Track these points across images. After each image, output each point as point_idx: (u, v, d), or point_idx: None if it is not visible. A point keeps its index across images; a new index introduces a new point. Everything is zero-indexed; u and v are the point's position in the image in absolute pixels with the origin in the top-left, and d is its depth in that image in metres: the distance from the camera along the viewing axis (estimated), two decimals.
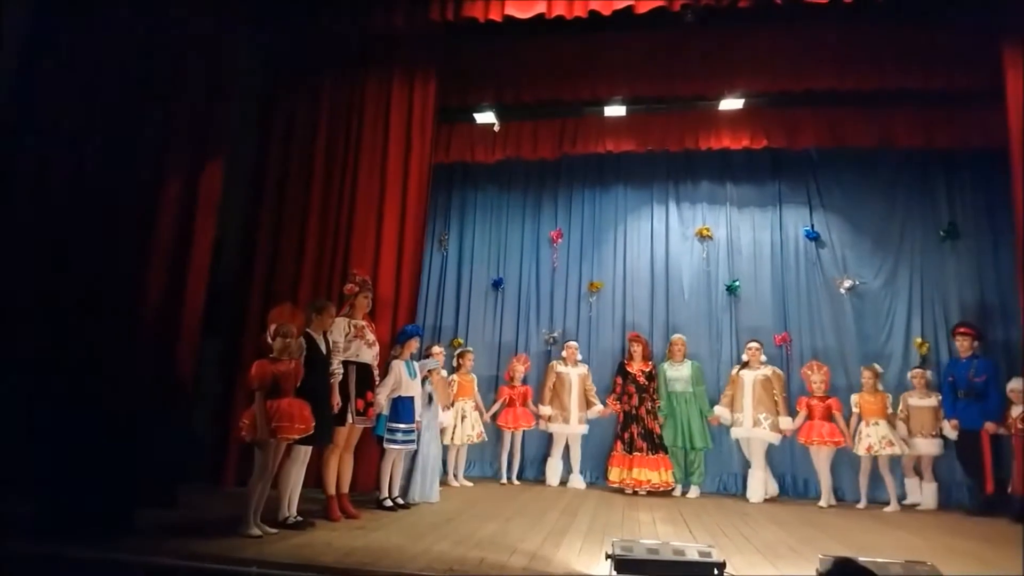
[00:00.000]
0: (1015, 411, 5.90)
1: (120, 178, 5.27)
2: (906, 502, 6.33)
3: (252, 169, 6.38)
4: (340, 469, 4.83)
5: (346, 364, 4.88)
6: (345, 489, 4.86)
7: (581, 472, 7.04)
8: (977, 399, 6.08)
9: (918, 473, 6.38)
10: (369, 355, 5.07)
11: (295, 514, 4.35)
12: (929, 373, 6.54)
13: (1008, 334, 6.63)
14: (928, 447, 6.23)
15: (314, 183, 6.26)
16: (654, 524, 5.11)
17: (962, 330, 6.42)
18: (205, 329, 5.51)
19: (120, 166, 5.27)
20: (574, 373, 7.13)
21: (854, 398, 6.47)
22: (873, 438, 6.17)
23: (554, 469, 7.04)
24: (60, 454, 3.90)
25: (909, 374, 6.62)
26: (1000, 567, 4.03)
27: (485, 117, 7.17)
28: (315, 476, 4.84)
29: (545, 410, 7.05)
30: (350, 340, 4.96)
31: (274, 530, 4.10)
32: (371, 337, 5.12)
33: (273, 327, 4.21)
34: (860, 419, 6.33)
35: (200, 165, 5.42)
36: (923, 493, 6.31)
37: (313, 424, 4.20)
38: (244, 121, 6.23)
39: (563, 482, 7.01)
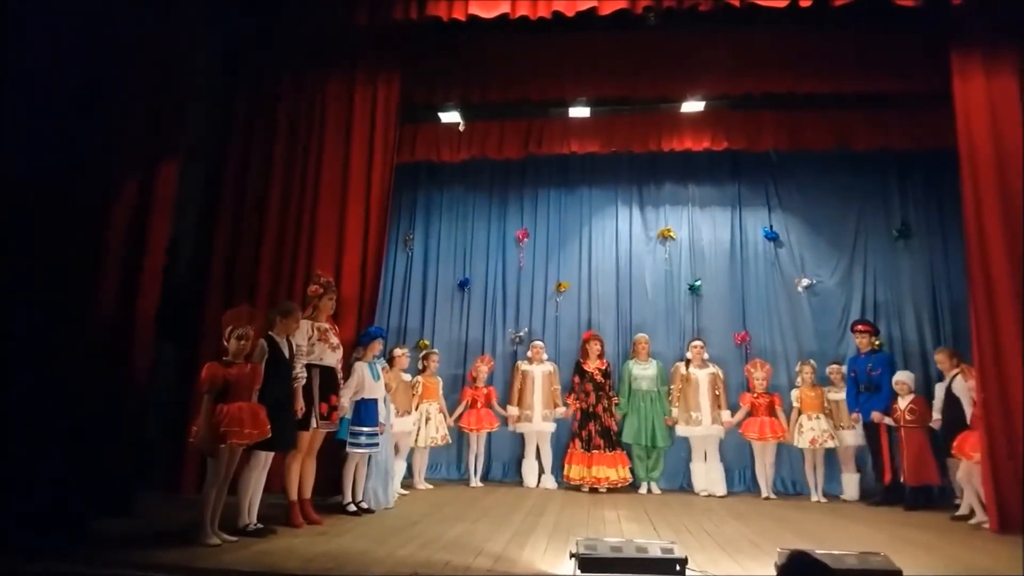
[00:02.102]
0: (902, 403, 6.13)
1: (70, 177, 5.08)
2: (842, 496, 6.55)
3: (210, 169, 6.24)
4: (302, 474, 4.75)
5: (309, 367, 4.80)
6: (308, 494, 4.78)
7: (553, 472, 7.03)
8: (876, 392, 6.30)
9: (856, 468, 6.60)
10: (333, 358, 5.00)
11: (255, 521, 4.26)
12: (845, 368, 6.74)
13: (959, 328, 6.85)
14: (848, 438, 6.47)
15: (274, 183, 6.14)
16: (619, 522, 5.15)
17: (860, 327, 6.64)
18: (161, 332, 5.35)
19: (70, 165, 5.09)
20: (539, 371, 7.14)
21: (794, 393, 6.73)
22: (816, 431, 6.46)
23: (530, 470, 7.01)
24: (3, 461, 3.74)
25: (827, 369, 6.86)
26: (947, 553, 4.17)
27: (450, 117, 7.14)
28: (278, 482, 4.75)
29: (512, 411, 7.05)
30: (313, 343, 4.89)
31: (233, 538, 4.01)
32: (335, 340, 5.05)
33: (228, 329, 4.11)
34: (800, 413, 6.58)
35: (155, 164, 5.27)
36: (845, 483, 6.55)
37: (269, 429, 4.12)
38: (202, 120, 6.09)
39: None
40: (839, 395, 6.64)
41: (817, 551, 2.96)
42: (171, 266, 5.61)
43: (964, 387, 5.53)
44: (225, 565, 3.44)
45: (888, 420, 6.18)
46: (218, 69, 6.33)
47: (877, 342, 6.65)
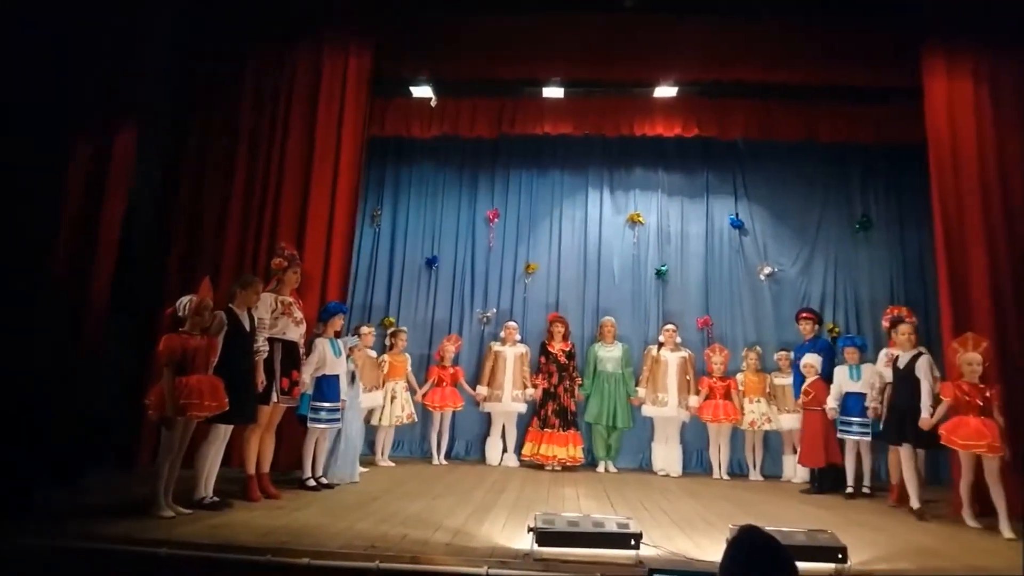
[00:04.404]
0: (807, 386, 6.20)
1: (24, 143, 4.88)
2: (783, 478, 6.75)
3: (173, 138, 6.05)
4: (261, 448, 4.70)
5: (272, 341, 4.75)
6: (266, 469, 4.73)
7: (516, 451, 7.07)
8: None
9: (794, 451, 6.75)
10: (296, 333, 4.94)
11: (212, 494, 4.22)
12: (792, 354, 6.89)
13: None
14: (790, 422, 6.63)
15: (239, 153, 6.01)
16: (578, 499, 5.23)
17: (804, 315, 6.74)
18: (118, 303, 5.22)
19: (24, 131, 4.89)
20: (511, 352, 7.16)
21: (739, 377, 6.94)
22: (756, 414, 6.73)
23: (494, 448, 7.06)
24: None
25: (775, 356, 7.05)
26: (891, 531, 4.34)
27: (422, 92, 7.03)
28: (237, 455, 4.69)
29: (481, 390, 7.07)
30: (276, 317, 4.83)
31: (188, 510, 3.97)
32: (298, 314, 4.99)
33: (187, 300, 4.02)
34: (744, 396, 6.83)
35: (112, 130, 5.09)
36: (786, 465, 6.75)
37: (227, 402, 4.06)
38: (164, 88, 5.89)
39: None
40: (784, 380, 6.78)
41: (768, 528, 3.05)
42: (128, 236, 5.45)
43: (927, 369, 5.10)
44: (178, 537, 3.39)
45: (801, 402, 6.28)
46: (183, 35, 6.12)
47: (835, 328, 6.79)
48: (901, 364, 5.29)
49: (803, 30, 6.20)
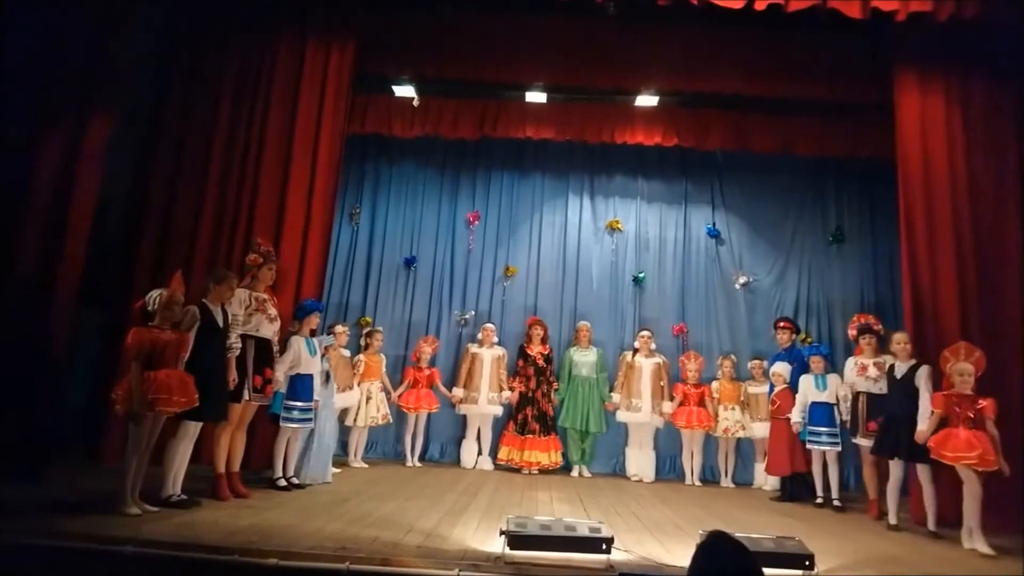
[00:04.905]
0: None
1: None
2: (754, 485, 6.85)
3: (146, 129, 5.95)
4: (231, 447, 4.64)
5: (245, 338, 4.68)
6: (236, 467, 4.67)
7: (491, 454, 7.06)
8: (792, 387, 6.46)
9: (765, 458, 6.83)
10: (270, 330, 4.88)
11: (180, 492, 4.15)
12: (765, 363, 7.02)
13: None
14: (763, 431, 6.70)
15: (215, 146, 5.92)
16: (551, 503, 5.25)
17: (782, 324, 6.79)
18: (88, 297, 5.11)
19: None
20: (488, 355, 7.15)
21: (714, 384, 7.03)
22: (730, 421, 6.83)
23: (469, 451, 7.03)
24: None
25: (749, 364, 7.16)
26: (858, 540, 4.41)
27: (404, 91, 7.01)
28: (207, 453, 4.62)
29: (457, 392, 7.05)
30: (250, 313, 4.77)
31: (155, 508, 3.90)
32: (273, 311, 4.93)
33: (157, 294, 3.96)
34: (719, 403, 6.91)
35: (85, 118, 4.99)
36: (757, 473, 6.83)
37: (197, 398, 4.00)
38: (140, 77, 5.80)
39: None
40: (759, 389, 6.88)
41: (737, 534, 3.09)
42: (99, 227, 5.34)
43: (929, 379, 4.88)
44: (144, 535, 3.32)
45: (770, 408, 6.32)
46: (161, 28, 6.03)
47: (807, 338, 6.90)
48: (899, 374, 5.07)
49: (782, 45, 6.31)
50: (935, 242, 5.65)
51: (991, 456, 4.27)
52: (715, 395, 6.96)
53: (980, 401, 4.45)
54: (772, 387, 6.47)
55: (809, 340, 6.98)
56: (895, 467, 4.97)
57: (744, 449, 7.11)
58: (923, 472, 4.78)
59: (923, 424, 4.71)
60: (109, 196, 5.45)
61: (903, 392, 4.98)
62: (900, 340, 5.17)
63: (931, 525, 4.69)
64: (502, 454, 6.84)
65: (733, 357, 7.22)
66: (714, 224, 8.05)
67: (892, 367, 5.19)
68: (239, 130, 5.97)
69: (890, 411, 5.08)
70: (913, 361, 5.07)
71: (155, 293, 4.02)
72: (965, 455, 4.30)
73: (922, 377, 4.90)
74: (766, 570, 1.72)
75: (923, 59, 5.93)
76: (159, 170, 5.90)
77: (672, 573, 3.32)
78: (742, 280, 7.84)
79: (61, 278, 4.78)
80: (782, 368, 6.31)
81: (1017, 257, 5.54)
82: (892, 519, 4.93)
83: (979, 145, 5.80)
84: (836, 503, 5.66)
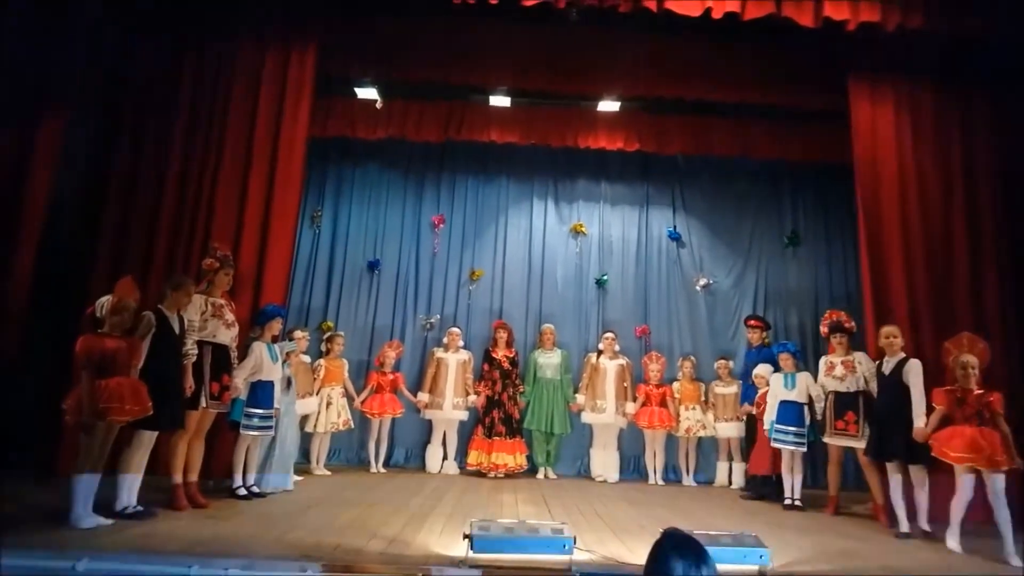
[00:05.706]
0: (758, 396, 6.16)
1: None
2: (716, 483, 6.99)
3: (102, 129, 5.79)
4: (189, 455, 4.54)
5: (201, 344, 4.60)
6: (194, 477, 4.57)
7: (456, 458, 7.03)
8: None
9: (730, 458, 7.00)
10: (227, 336, 4.80)
11: (135, 503, 4.04)
12: (731, 363, 7.20)
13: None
14: (729, 430, 6.87)
15: (173, 150, 5.79)
16: (516, 505, 5.27)
17: (752, 323, 6.91)
18: (39, 303, 4.94)
19: None
20: (454, 359, 7.12)
21: (675, 385, 7.16)
22: (691, 421, 6.95)
23: (434, 456, 6.99)
24: None
25: (715, 364, 7.29)
26: (816, 536, 4.53)
27: (367, 93, 6.96)
28: (164, 463, 4.51)
29: (422, 397, 7.01)
30: (206, 319, 4.68)
31: (110, 521, 3.79)
32: (230, 317, 4.85)
33: (105, 300, 3.87)
34: (680, 403, 7.03)
35: (36, 120, 4.84)
36: (733, 473, 6.94)
37: (150, 405, 3.91)
38: (95, 78, 5.64)
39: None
40: (726, 389, 7.02)
41: (696, 531, 3.15)
42: (52, 231, 5.18)
43: (918, 373, 4.66)
44: (98, 548, 3.23)
45: (754, 411, 6.31)
46: (118, 27, 5.87)
47: (766, 338, 7.07)
48: (887, 370, 4.79)
49: (740, 53, 6.46)
50: (886, 241, 5.85)
51: (1000, 456, 3.99)
52: (676, 395, 7.08)
53: (988, 395, 4.15)
54: (747, 388, 6.53)
55: (767, 340, 7.13)
56: (893, 470, 4.68)
57: (705, 448, 7.24)
58: (917, 472, 4.55)
59: (919, 421, 4.46)
60: (62, 198, 5.28)
61: (893, 389, 4.70)
62: (888, 334, 4.86)
63: (923, 524, 4.56)
64: (472, 459, 6.80)
65: (693, 358, 7.36)
66: (675, 227, 8.20)
67: (880, 364, 4.91)
68: (198, 135, 5.84)
69: (879, 411, 4.84)
70: (901, 355, 4.80)
71: (103, 299, 3.92)
72: (971, 455, 4.04)
73: (911, 372, 4.64)
74: (722, 566, 1.76)
75: (874, 67, 6.15)
76: (116, 172, 5.73)
77: (630, 572, 3.36)
78: (702, 282, 8.00)
79: (11, 283, 4.62)
80: (764, 370, 6.17)
81: (965, 254, 5.81)
82: (904, 527, 4.57)
83: (927, 148, 6.03)
84: (798, 503, 5.55)
